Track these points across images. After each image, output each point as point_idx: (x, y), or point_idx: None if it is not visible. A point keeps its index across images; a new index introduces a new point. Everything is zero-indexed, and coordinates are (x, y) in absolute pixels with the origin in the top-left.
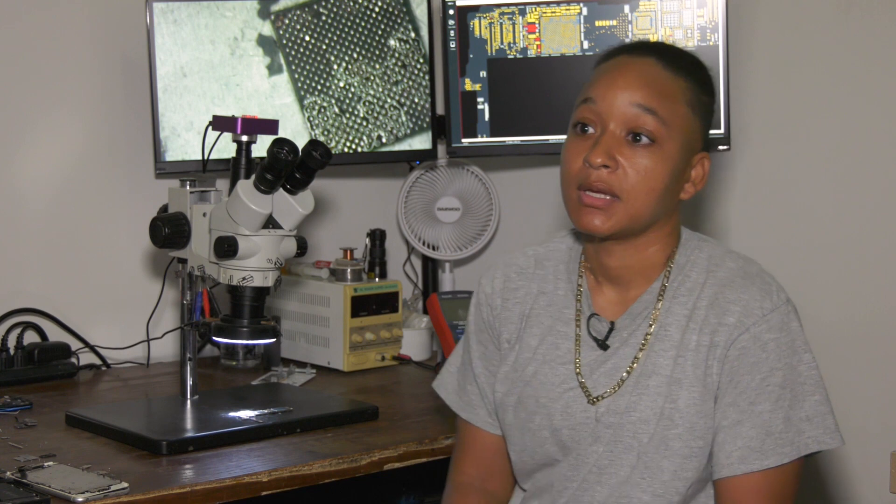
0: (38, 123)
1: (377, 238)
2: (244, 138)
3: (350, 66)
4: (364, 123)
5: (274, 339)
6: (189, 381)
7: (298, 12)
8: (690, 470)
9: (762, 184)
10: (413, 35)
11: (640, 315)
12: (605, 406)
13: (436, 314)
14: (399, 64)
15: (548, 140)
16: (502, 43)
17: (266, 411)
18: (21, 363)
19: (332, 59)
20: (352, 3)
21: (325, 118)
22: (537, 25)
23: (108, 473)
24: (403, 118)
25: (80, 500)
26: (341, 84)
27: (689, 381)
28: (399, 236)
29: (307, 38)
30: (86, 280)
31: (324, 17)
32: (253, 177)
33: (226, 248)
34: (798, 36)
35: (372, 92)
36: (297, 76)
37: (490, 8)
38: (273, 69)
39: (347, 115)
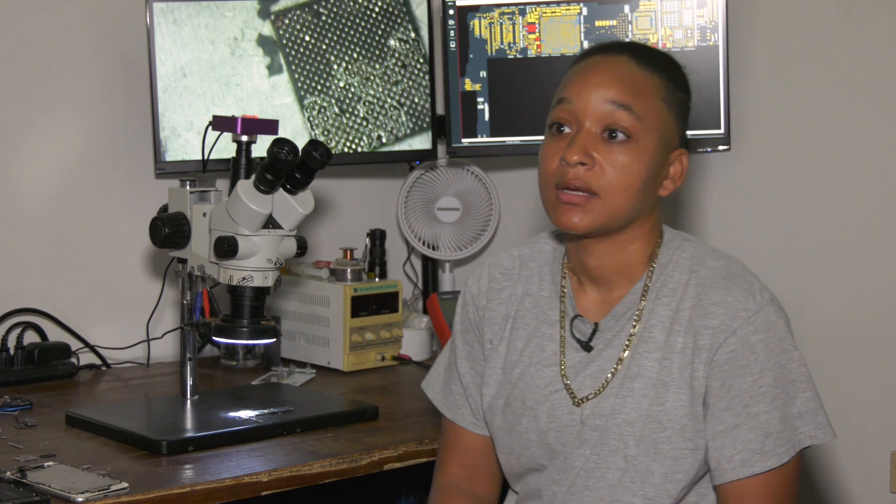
0: (38, 123)
1: (377, 238)
2: (244, 138)
3: (350, 66)
4: (364, 123)
5: (274, 339)
6: (189, 381)
7: (298, 12)
8: (681, 472)
9: (762, 184)
10: (413, 35)
11: (623, 316)
12: (590, 408)
13: (436, 314)
14: (399, 64)
15: None
16: (502, 43)
17: (266, 411)
18: (21, 363)
19: (332, 59)
20: (352, 3)
21: (325, 118)
22: (537, 25)
23: (108, 473)
24: (403, 118)
25: (80, 500)
26: (341, 84)
27: (677, 383)
28: (399, 236)
29: (307, 38)
30: (86, 280)
31: (324, 17)
32: (253, 177)
33: (226, 248)
34: (798, 36)
35: (372, 92)
36: (297, 76)
37: (490, 8)
38: (273, 69)
39: (347, 115)
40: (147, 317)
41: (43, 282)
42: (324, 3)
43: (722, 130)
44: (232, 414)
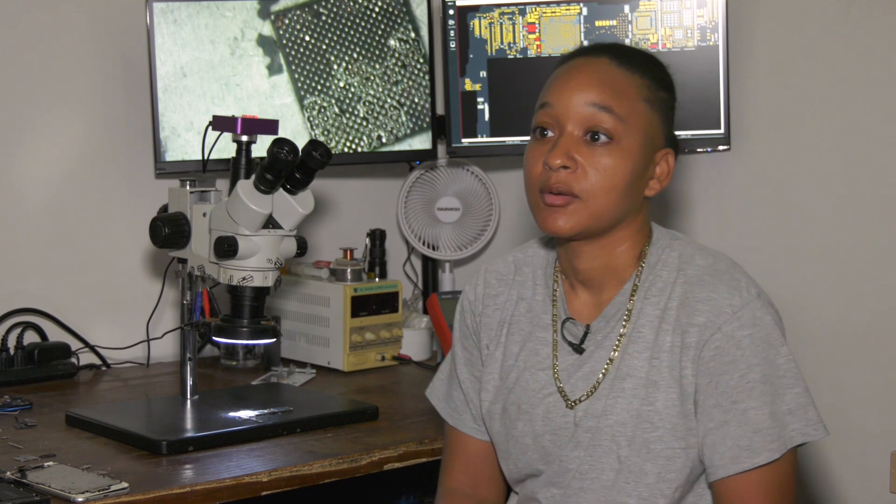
0: (38, 123)
1: (377, 238)
2: (244, 138)
3: (350, 66)
4: (364, 123)
5: (274, 339)
6: (189, 381)
7: (298, 12)
8: (674, 471)
9: (762, 184)
10: (413, 35)
11: (613, 317)
12: (582, 410)
13: (436, 314)
14: (399, 64)
15: None
16: (502, 43)
17: (266, 411)
18: (21, 363)
19: (332, 59)
20: (352, 3)
21: (325, 118)
22: (537, 25)
23: (108, 473)
24: (403, 118)
25: (80, 500)
26: (341, 84)
27: (666, 382)
28: (399, 236)
29: (307, 38)
30: (86, 280)
31: (324, 17)
32: (253, 177)
33: (226, 248)
34: (798, 36)
35: (372, 92)
36: (297, 76)
37: (490, 8)
38: (273, 69)
39: (347, 115)
40: (147, 317)
41: (43, 282)
42: (324, 3)
43: (722, 130)
44: (232, 414)
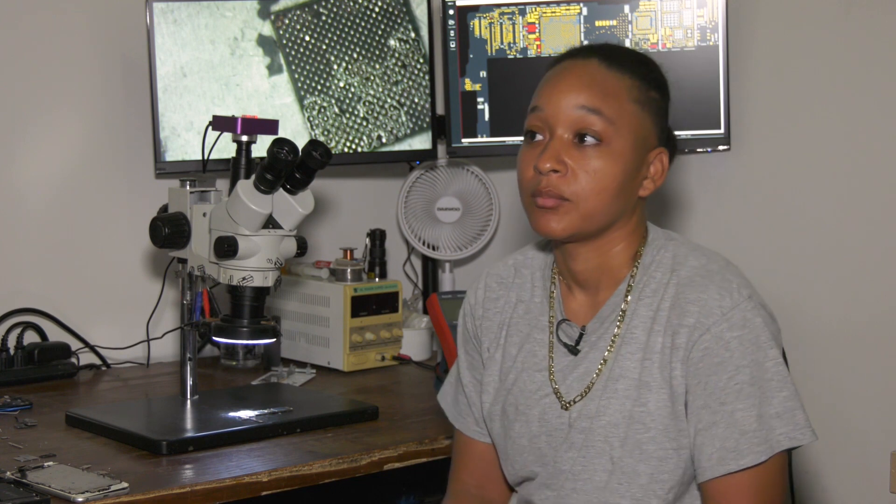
0: (38, 123)
1: (377, 238)
2: (244, 138)
3: (350, 66)
4: (364, 123)
5: (274, 339)
6: (189, 381)
7: (298, 12)
8: (667, 472)
9: (762, 184)
10: (413, 35)
11: (608, 318)
12: (576, 411)
13: (436, 314)
14: (399, 64)
15: None
16: (502, 43)
17: (266, 411)
18: (21, 363)
19: (332, 59)
20: (352, 3)
21: (325, 118)
22: (537, 25)
23: (108, 473)
24: (403, 118)
25: (80, 500)
26: (341, 84)
27: (658, 383)
28: (399, 236)
29: (307, 38)
30: (86, 280)
31: (324, 17)
32: (253, 177)
33: (226, 248)
34: (798, 36)
35: (372, 92)
36: (297, 76)
37: (490, 8)
38: (273, 69)
39: (347, 115)
40: (147, 317)
41: (43, 282)
42: (324, 3)
43: (722, 130)
44: (232, 414)
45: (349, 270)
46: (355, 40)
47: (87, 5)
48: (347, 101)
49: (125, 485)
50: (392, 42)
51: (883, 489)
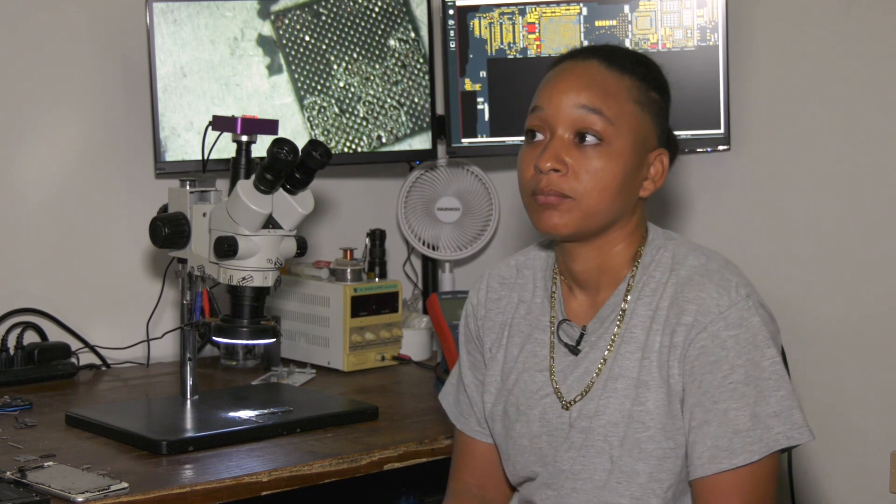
0: (38, 123)
1: (377, 238)
2: (244, 138)
3: (350, 66)
4: (364, 123)
5: (274, 339)
6: (189, 381)
7: (298, 12)
8: (665, 471)
9: (762, 184)
10: (413, 35)
11: (608, 318)
12: (577, 410)
13: (435, 314)
14: (399, 64)
15: None
16: (502, 43)
17: (266, 411)
18: (21, 363)
19: (332, 59)
20: (352, 3)
21: (325, 118)
22: (537, 25)
23: (108, 473)
24: (403, 118)
25: (80, 500)
26: (341, 84)
27: (656, 382)
28: (399, 236)
29: (307, 38)
30: (86, 280)
31: (324, 17)
32: (253, 177)
33: (226, 248)
34: (798, 36)
35: (372, 92)
36: (297, 76)
37: (490, 8)
38: (273, 69)
39: (347, 115)
40: (147, 317)
41: (43, 282)
42: (324, 3)
43: (722, 130)
44: (232, 414)
45: (349, 270)
46: (355, 40)
47: (87, 5)
48: (347, 101)
49: (125, 485)
50: (392, 42)
51: (883, 489)
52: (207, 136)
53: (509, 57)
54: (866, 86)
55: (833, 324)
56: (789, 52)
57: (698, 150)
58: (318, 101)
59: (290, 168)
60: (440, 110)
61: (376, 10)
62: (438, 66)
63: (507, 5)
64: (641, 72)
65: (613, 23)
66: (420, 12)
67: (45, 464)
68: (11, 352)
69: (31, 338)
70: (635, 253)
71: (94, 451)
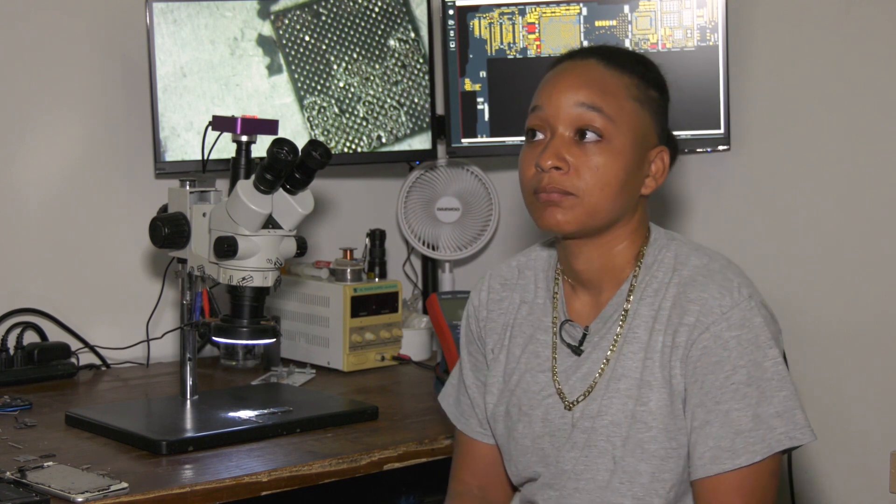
0: (38, 123)
1: (377, 238)
2: (244, 138)
3: (350, 66)
4: (364, 123)
5: (274, 339)
6: (189, 381)
7: (298, 12)
8: (668, 471)
9: (762, 184)
10: (413, 35)
11: (610, 318)
12: (579, 411)
13: (435, 314)
14: (399, 64)
15: None
16: (502, 43)
17: (266, 411)
18: (21, 363)
19: (332, 59)
20: (352, 3)
21: (325, 118)
22: (537, 25)
23: (108, 473)
24: (403, 118)
25: (80, 500)
26: (341, 84)
27: (659, 383)
28: (399, 236)
29: (307, 38)
30: (86, 280)
31: (324, 17)
32: (253, 177)
33: (226, 248)
34: (798, 36)
35: (372, 92)
36: (296, 76)
37: (490, 8)
38: (273, 69)
39: (347, 115)
40: (147, 317)
41: (43, 282)
42: (324, 3)
43: (722, 130)
44: (232, 414)
45: (349, 270)
46: (355, 40)
47: (87, 5)
48: (347, 101)
49: (125, 485)
50: (392, 42)
51: (883, 489)
52: (207, 136)
53: (509, 57)
54: (866, 86)
55: (833, 324)
56: (789, 52)
57: (698, 150)
58: (318, 102)
59: (289, 168)
60: (440, 110)
61: (376, 10)
62: (438, 66)
63: (507, 5)
64: (640, 70)
65: (613, 23)
66: (420, 12)
67: (45, 464)
68: (11, 352)
69: (31, 338)
70: (638, 252)
71: (93, 451)
